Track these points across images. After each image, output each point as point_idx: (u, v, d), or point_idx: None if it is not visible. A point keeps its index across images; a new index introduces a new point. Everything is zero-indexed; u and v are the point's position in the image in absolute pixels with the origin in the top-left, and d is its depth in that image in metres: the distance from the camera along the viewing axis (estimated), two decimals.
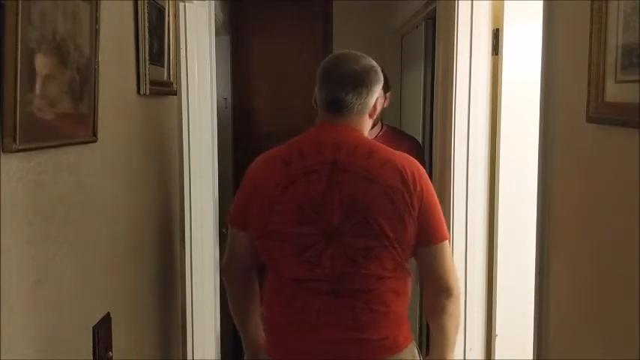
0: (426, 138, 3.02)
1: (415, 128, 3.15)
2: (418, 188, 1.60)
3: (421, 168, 1.67)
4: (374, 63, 1.70)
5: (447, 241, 1.68)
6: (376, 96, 1.70)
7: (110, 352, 1.41)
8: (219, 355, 2.83)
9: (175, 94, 2.26)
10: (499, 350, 2.21)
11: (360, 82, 1.65)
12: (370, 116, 1.71)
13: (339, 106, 1.65)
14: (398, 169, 1.60)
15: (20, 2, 0.94)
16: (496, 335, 2.21)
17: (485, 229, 2.24)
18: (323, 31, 4.15)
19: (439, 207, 1.68)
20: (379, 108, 1.73)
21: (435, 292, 1.67)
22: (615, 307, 1.18)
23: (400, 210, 1.58)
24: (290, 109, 4.13)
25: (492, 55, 2.17)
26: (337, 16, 4.11)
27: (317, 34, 4.16)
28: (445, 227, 1.68)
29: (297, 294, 1.63)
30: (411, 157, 1.70)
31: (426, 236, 1.62)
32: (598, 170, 1.26)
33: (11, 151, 0.95)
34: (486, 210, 2.23)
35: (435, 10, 2.54)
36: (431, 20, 2.82)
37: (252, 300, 1.81)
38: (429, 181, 1.68)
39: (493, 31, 2.17)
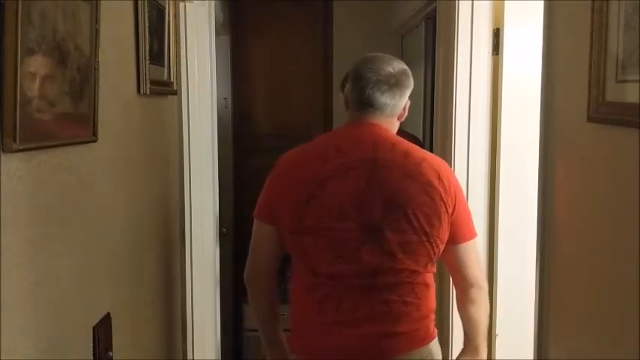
0: (426, 137, 3.02)
1: (415, 128, 3.15)
2: (452, 189, 1.67)
3: (451, 170, 1.76)
4: (406, 67, 1.74)
5: (476, 238, 1.76)
6: (406, 99, 1.74)
7: (110, 352, 1.41)
8: (219, 355, 2.83)
9: (175, 94, 2.26)
10: (499, 350, 2.21)
11: (395, 83, 1.68)
12: (399, 118, 1.76)
13: (372, 106, 1.68)
14: (434, 168, 1.66)
15: (20, 2, 0.93)
16: (496, 335, 2.21)
17: (485, 228, 2.24)
18: (323, 31, 4.14)
19: (468, 207, 1.76)
20: (407, 111, 1.77)
21: (465, 285, 1.74)
22: (615, 307, 1.18)
23: (438, 207, 1.63)
24: (290, 109, 4.13)
25: (493, 54, 2.17)
26: (337, 16, 4.10)
27: (317, 34, 4.16)
28: (474, 225, 1.76)
29: (332, 292, 1.64)
30: (441, 158, 1.76)
31: (459, 233, 1.70)
32: (599, 170, 1.26)
33: (11, 151, 0.95)
34: (487, 209, 2.23)
35: (435, 9, 2.53)
36: (431, 20, 2.82)
37: (276, 305, 1.84)
38: (458, 180, 1.76)
39: (493, 30, 2.16)
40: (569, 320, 1.43)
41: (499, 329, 2.21)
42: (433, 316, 1.74)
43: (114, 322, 1.44)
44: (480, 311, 1.76)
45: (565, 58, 1.44)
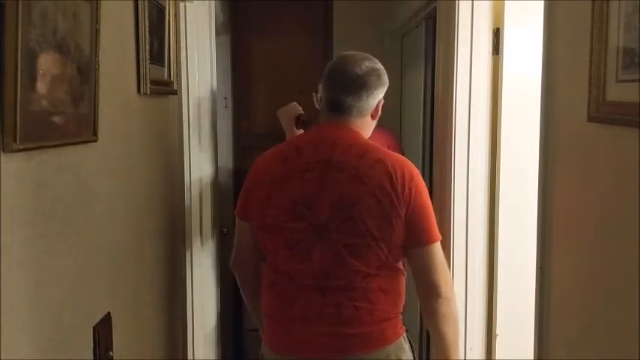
0: (426, 138, 3.01)
1: (415, 128, 3.15)
2: (407, 190, 1.63)
3: (414, 170, 1.70)
4: (377, 65, 1.74)
5: (438, 242, 1.69)
6: (378, 98, 1.74)
7: (110, 352, 1.41)
8: (220, 355, 2.83)
9: (176, 94, 2.26)
10: (499, 350, 2.21)
11: (361, 85, 1.69)
12: (372, 117, 1.77)
13: (338, 109, 1.71)
14: (388, 170, 1.64)
15: (20, 2, 0.93)
16: (496, 335, 2.21)
17: (485, 228, 2.24)
18: (323, 31, 4.14)
19: (430, 209, 1.70)
20: (380, 109, 1.77)
21: (426, 293, 1.70)
22: (616, 307, 1.18)
23: (387, 211, 1.62)
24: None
25: (493, 54, 2.17)
26: (337, 16, 4.10)
27: (317, 34, 4.15)
28: (436, 229, 1.70)
29: (288, 289, 1.70)
30: (405, 159, 1.74)
31: (415, 238, 1.66)
32: (599, 169, 1.26)
33: (12, 151, 0.95)
34: (487, 209, 2.23)
35: (435, 9, 2.53)
36: (431, 20, 2.82)
37: (259, 290, 1.85)
38: (422, 182, 1.70)
39: (494, 30, 2.16)
40: (569, 320, 1.43)
41: (499, 329, 2.21)
42: (397, 319, 1.71)
43: (114, 322, 1.44)
44: (446, 324, 1.71)
45: (565, 57, 1.44)
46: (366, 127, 1.76)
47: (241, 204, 1.78)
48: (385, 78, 1.75)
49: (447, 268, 1.74)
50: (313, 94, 2.26)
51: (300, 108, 2.38)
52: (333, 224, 1.62)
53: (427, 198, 1.70)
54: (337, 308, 1.65)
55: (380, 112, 1.77)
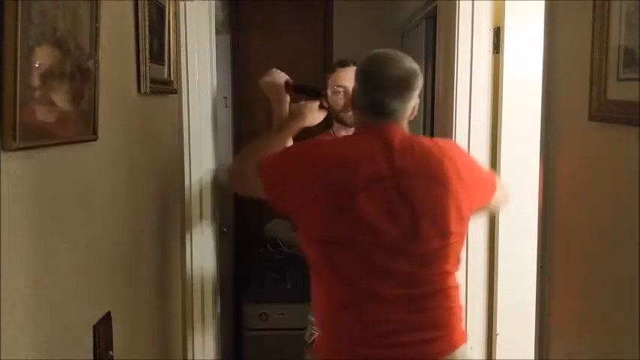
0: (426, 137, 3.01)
1: (416, 127, 3.14)
2: (463, 173, 1.65)
3: (455, 149, 1.78)
4: (415, 65, 1.68)
5: (496, 179, 1.85)
6: (416, 99, 1.69)
7: (110, 352, 1.40)
8: (220, 355, 2.83)
9: (176, 93, 2.25)
10: (500, 349, 2.21)
11: (406, 87, 1.64)
12: (408, 118, 1.71)
13: (384, 112, 1.64)
14: (453, 164, 1.64)
15: (20, 0, 0.93)
16: (497, 334, 2.21)
17: (486, 227, 2.24)
18: (323, 31, 4.14)
19: (477, 167, 1.78)
20: (416, 110, 1.73)
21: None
22: (616, 307, 1.18)
23: (460, 203, 1.62)
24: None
25: (493, 53, 2.17)
26: (337, 16, 4.10)
27: (317, 34, 4.15)
28: (490, 176, 1.84)
29: (372, 306, 1.59)
30: (443, 140, 1.85)
31: (482, 198, 1.76)
32: (600, 168, 1.26)
33: (11, 150, 0.95)
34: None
35: (435, 8, 2.53)
36: (431, 19, 2.82)
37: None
38: (457, 147, 1.83)
39: (494, 29, 2.16)
40: (569, 320, 1.43)
41: (499, 329, 2.21)
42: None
43: (114, 322, 1.44)
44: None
45: (566, 56, 1.44)
46: (406, 127, 1.71)
47: (279, 182, 1.63)
48: (422, 78, 1.68)
49: (504, 184, 1.88)
50: (329, 92, 2.28)
51: (283, 73, 2.21)
52: (417, 233, 1.57)
53: (470, 159, 1.81)
54: (426, 314, 1.61)
55: (416, 113, 1.72)
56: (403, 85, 1.63)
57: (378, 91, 1.64)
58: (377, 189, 1.56)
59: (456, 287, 1.68)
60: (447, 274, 1.64)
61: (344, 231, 1.56)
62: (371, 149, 1.61)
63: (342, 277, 1.62)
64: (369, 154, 1.60)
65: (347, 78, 2.23)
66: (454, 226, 1.60)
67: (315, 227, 1.59)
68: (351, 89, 1.90)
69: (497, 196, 1.80)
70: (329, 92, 2.27)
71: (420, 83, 1.67)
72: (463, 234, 1.66)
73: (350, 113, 2.13)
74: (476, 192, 1.70)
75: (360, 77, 1.69)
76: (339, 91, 2.25)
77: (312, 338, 2.26)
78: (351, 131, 1.97)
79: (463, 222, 1.64)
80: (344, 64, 2.32)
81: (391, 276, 1.58)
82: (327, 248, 1.59)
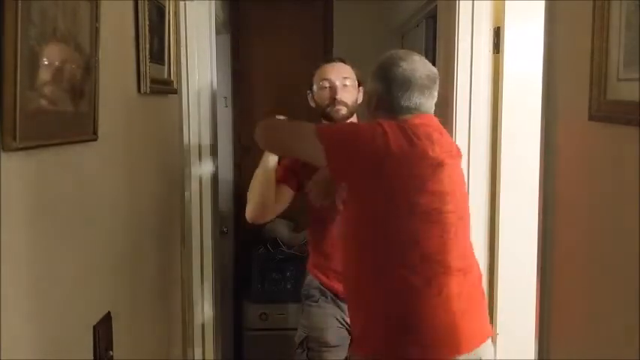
0: None
1: None
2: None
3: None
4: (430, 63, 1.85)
5: None
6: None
7: (111, 352, 1.40)
8: (220, 355, 2.82)
9: (176, 93, 2.25)
10: (499, 350, 2.21)
11: (430, 85, 1.79)
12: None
13: (418, 110, 1.75)
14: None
15: (20, 1, 0.93)
16: (497, 334, 2.21)
17: (486, 227, 2.24)
18: (323, 31, 4.14)
19: None
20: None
21: None
22: (617, 307, 1.18)
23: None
24: (290, 108, 4.12)
25: (493, 53, 2.17)
26: (337, 16, 4.10)
27: (317, 34, 4.15)
28: None
29: (450, 281, 1.66)
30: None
31: None
32: (600, 168, 1.26)
33: (11, 150, 0.95)
34: (488, 208, 2.23)
35: (435, 8, 2.53)
36: (431, 19, 2.82)
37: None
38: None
39: (494, 29, 2.16)
40: (569, 320, 1.42)
41: (499, 329, 2.20)
42: None
43: (114, 322, 1.44)
44: None
45: (566, 56, 1.44)
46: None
47: (350, 150, 1.69)
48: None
49: None
50: (308, 92, 2.33)
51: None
52: (465, 205, 1.78)
53: None
54: (476, 289, 1.74)
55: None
56: (428, 83, 1.78)
57: (413, 90, 1.75)
58: (446, 166, 1.70)
59: None
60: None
61: (424, 204, 1.68)
62: (432, 131, 1.72)
63: (422, 252, 1.69)
64: (433, 135, 1.71)
65: (333, 72, 2.25)
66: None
67: (392, 196, 1.69)
68: (337, 83, 2.20)
69: None
70: (314, 88, 2.28)
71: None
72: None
73: (337, 108, 2.21)
74: None
75: (387, 78, 1.77)
76: (325, 86, 2.24)
77: (302, 339, 2.27)
78: None
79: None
80: (329, 60, 2.34)
81: (455, 248, 1.71)
82: (408, 221, 1.68)
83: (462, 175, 1.80)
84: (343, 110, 2.21)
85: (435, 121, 1.78)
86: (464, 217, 1.75)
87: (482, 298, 1.78)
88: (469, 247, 1.77)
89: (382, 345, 1.68)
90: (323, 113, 2.27)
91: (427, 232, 1.66)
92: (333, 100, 2.21)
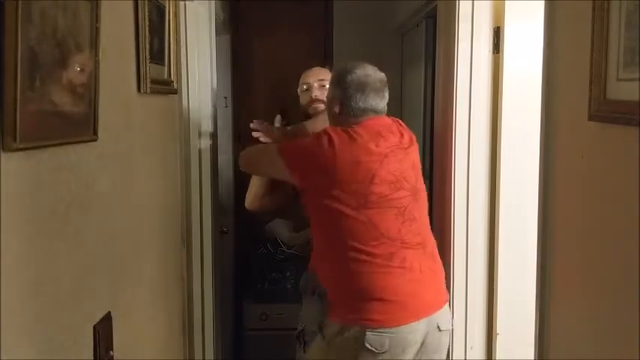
0: (426, 136, 3.01)
1: (416, 127, 3.14)
2: None
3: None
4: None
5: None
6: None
7: (111, 352, 1.40)
8: (220, 355, 2.83)
9: (176, 93, 2.25)
10: (499, 350, 2.21)
11: (383, 89, 2.07)
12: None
13: (374, 112, 2.04)
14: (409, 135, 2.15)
15: (20, 1, 0.93)
16: (497, 334, 2.21)
17: (486, 227, 2.24)
18: (323, 31, 4.14)
19: None
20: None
21: None
22: (616, 307, 1.18)
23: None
24: (290, 108, 4.11)
25: (493, 53, 2.17)
26: (337, 16, 4.10)
27: (317, 34, 4.15)
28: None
29: (405, 254, 1.97)
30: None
31: None
32: (600, 168, 1.26)
33: (11, 150, 0.95)
34: (487, 208, 2.23)
35: (435, 8, 2.53)
36: (431, 19, 2.82)
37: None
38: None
39: (494, 29, 2.16)
40: (569, 320, 1.43)
41: (499, 329, 2.21)
42: None
43: (114, 322, 1.44)
44: None
45: (566, 56, 1.44)
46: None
47: (304, 166, 2.01)
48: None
49: None
50: (299, 91, 2.58)
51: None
52: (420, 187, 2.04)
53: None
54: (434, 260, 2.06)
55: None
56: (380, 86, 2.06)
57: (369, 97, 2.03)
58: (393, 156, 1.99)
59: None
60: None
61: (375, 194, 1.97)
62: (381, 129, 2.03)
63: (379, 234, 1.98)
64: (382, 132, 2.01)
65: (311, 75, 2.55)
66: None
67: (347, 194, 1.97)
68: (315, 84, 2.50)
69: None
70: (299, 91, 2.59)
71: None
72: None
73: (314, 105, 2.49)
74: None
75: (345, 84, 2.05)
76: (304, 89, 2.54)
77: (299, 332, 2.32)
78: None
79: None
80: (311, 67, 2.64)
81: (413, 224, 2.01)
82: (362, 210, 1.96)
83: (416, 161, 2.07)
84: (320, 107, 2.45)
85: (387, 120, 2.06)
86: (418, 198, 2.02)
87: (439, 269, 2.07)
88: (425, 224, 2.07)
89: (350, 313, 1.96)
90: (305, 112, 2.55)
91: (383, 216, 1.94)
92: (312, 100, 2.50)
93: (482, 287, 2.25)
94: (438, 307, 2.00)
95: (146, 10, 1.72)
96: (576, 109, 1.29)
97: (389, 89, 2.25)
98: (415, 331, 1.93)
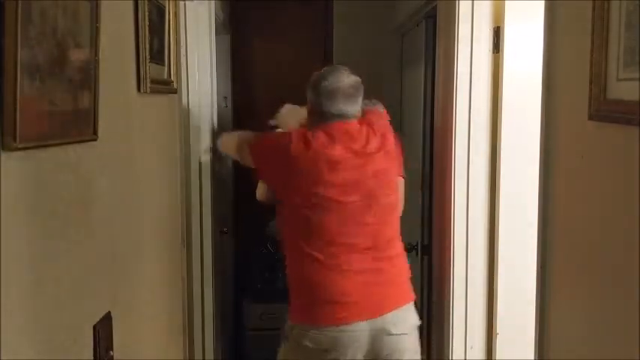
0: (426, 136, 3.01)
1: (416, 127, 3.15)
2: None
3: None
4: (356, 77, 2.14)
5: None
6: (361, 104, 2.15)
7: (111, 352, 1.40)
8: (220, 355, 2.83)
9: (175, 93, 2.25)
10: (499, 350, 2.21)
11: (352, 94, 2.09)
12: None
13: (339, 116, 2.07)
14: (378, 139, 2.14)
15: (20, 1, 0.93)
16: (497, 334, 2.21)
17: (486, 226, 2.24)
18: (323, 31, 4.14)
19: None
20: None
21: None
22: (616, 307, 1.18)
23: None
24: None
25: (493, 52, 2.17)
26: (337, 16, 4.10)
27: (317, 34, 4.15)
28: None
29: (353, 258, 2.03)
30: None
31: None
32: (599, 168, 1.26)
33: (11, 150, 0.95)
34: (487, 208, 2.23)
35: (435, 8, 2.53)
36: (431, 19, 2.81)
37: None
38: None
39: (494, 28, 2.16)
40: (569, 320, 1.43)
41: (499, 328, 2.21)
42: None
43: (114, 322, 1.44)
44: None
45: (566, 55, 1.44)
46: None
47: (267, 162, 2.11)
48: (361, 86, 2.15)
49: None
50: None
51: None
52: (381, 193, 2.06)
53: None
54: (390, 264, 2.08)
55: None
56: (350, 91, 2.10)
57: (337, 101, 2.08)
58: (348, 162, 2.04)
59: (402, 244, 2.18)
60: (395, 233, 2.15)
61: (320, 196, 2.05)
62: (338, 135, 2.07)
63: (320, 235, 2.09)
64: (338, 137, 2.05)
65: None
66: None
67: (294, 193, 2.08)
68: None
69: None
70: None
71: (362, 92, 2.14)
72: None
73: None
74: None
75: (317, 89, 2.11)
76: None
77: (284, 328, 2.32)
78: None
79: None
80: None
81: (362, 229, 2.06)
82: (304, 210, 2.07)
83: (383, 168, 2.07)
84: None
85: (354, 125, 2.08)
86: (373, 204, 2.04)
87: (396, 273, 2.10)
88: (382, 230, 2.08)
89: (298, 312, 2.07)
90: None
91: (329, 218, 2.01)
92: None
93: (482, 287, 2.25)
94: (388, 310, 2.01)
95: (146, 10, 1.72)
96: (576, 108, 1.28)
97: (389, 89, 2.27)
98: (356, 331, 1.98)
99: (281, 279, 3.71)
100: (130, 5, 1.65)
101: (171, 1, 2.08)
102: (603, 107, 1.18)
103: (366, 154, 2.04)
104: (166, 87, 2.08)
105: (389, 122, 2.22)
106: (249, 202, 2.50)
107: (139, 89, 1.71)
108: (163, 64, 2.02)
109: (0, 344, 0.93)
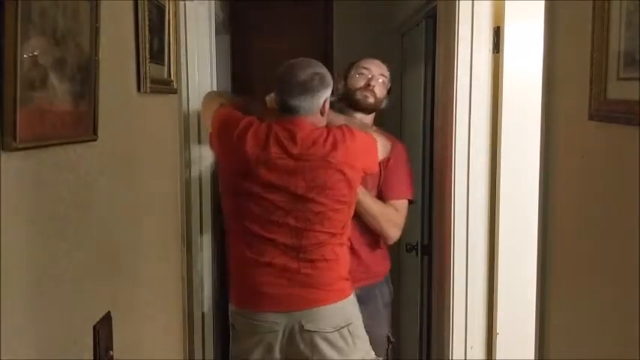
0: (426, 136, 3.01)
1: (416, 127, 3.14)
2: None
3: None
4: (320, 70, 2.10)
5: None
6: (323, 98, 2.10)
7: (111, 352, 1.40)
8: (219, 354, 2.83)
9: (175, 93, 2.25)
10: (499, 349, 2.21)
11: (307, 88, 2.06)
12: (321, 114, 2.13)
13: (290, 110, 2.08)
14: (331, 144, 2.10)
15: (20, 1, 0.93)
16: (497, 334, 2.21)
17: (486, 226, 2.23)
18: (323, 31, 4.14)
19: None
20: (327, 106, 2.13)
21: None
22: (616, 307, 1.18)
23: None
24: None
25: (493, 53, 2.16)
26: (337, 16, 4.10)
27: (317, 34, 4.15)
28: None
29: (274, 252, 2.10)
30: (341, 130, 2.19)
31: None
32: (600, 168, 1.25)
33: (11, 150, 0.95)
34: (487, 208, 2.23)
35: (435, 8, 2.53)
36: (431, 18, 2.81)
37: None
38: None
39: (494, 28, 2.16)
40: (569, 320, 1.42)
41: (499, 328, 2.20)
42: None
43: (114, 322, 1.44)
44: None
45: (566, 55, 1.44)
46: (319, 120, 2.12)
47: (225, 138, 2.13)
48: (328, 80, 2.10)
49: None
50: (349, 74, 2.50)
51: None
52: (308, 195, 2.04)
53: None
54: (314, 268, 2.10)
55: (327, 109, 2.13)
56: (304, 86, 2.05)
57: (285, 93, 2.08)
58: (278, 162, 2.05)
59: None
60: (332, 235, 2.12)
61: (246, 188, 2.11)
62: (281, 133, 2.07)
63: (245, 225, 2.16)
64: (280, 137, 2.06)
65: (374, 64, 2.48)
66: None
67: (229, 175, 2.18)
68: (375, 74, 2.44)
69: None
70: (351, 74, 2.47)
71: (323, 86, 2.08)
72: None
73: (366, 94, 2.44)
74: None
75: (275, 83, 2.12)
76: (363, 73, 2.45)
77: None
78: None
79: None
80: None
81: (283, 226, 2.08)
82: (236, 198, 2.17)
83: (321, 177, 2.04)
84: (371, 99, 2.44)
85: (306, 126, 2.07)
86: (305, 209, 2.05)
87: (317, 275, 2.09)
88: (315, 235, 2.07)
89: (231, 296, 2.23)
90: (352, 97, 2.45)
91: (254, 211, 2.07)
92: (367, 87, 2.43)
93: (483, 287, 2.25)
94: (306, 306, 2.07)
95: (146, 9, 1.72)
96: (576, 108, 1.28)
97: (389, 89, 2.21)
98: (270, 321, 2.09)
99: None
100: (130, 5, 1.65)
101: (171, 1, 2.08)
102: (603, 107, 1.18)
103: (303, 159, 2.04)
104: (166, 87, 2.08)
105: (375, 147, 2.18)
106: None
107: (138, 89, 1.71)
108: (163, 64, 2.02)
109: (0, 344, 0.93)
